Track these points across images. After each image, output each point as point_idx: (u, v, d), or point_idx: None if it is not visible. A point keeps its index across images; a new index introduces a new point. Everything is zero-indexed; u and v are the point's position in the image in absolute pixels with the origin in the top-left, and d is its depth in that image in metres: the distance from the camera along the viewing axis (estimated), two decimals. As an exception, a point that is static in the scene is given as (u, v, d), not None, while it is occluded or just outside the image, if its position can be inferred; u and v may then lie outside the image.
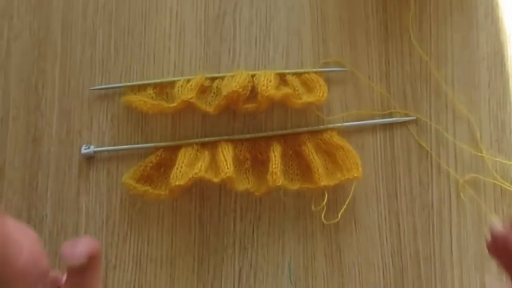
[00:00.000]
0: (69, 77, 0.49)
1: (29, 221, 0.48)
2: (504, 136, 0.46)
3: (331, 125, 0.46)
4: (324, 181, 0.44)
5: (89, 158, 0.48)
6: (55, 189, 0.48)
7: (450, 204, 0.45)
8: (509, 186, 0.45)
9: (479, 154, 0.46)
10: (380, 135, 0.47)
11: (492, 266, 0.44)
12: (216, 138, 0.46)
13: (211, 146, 0.46)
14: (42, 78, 0.50)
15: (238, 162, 0.45)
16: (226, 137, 0.46)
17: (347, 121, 0.47)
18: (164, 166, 0.46)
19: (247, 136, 0.46)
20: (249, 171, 0.46)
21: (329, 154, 0.46)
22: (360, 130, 0.47)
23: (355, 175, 0.44)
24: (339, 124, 0.46)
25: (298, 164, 0.46)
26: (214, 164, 0.45)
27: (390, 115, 0.47)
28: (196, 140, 0.47)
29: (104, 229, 0.47)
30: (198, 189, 0.47)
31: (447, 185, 0.46)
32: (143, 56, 0.49)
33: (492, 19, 0.48)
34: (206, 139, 0.47)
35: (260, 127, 0.48)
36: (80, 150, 0.48)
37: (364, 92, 0.47)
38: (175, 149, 0.46)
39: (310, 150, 0.45)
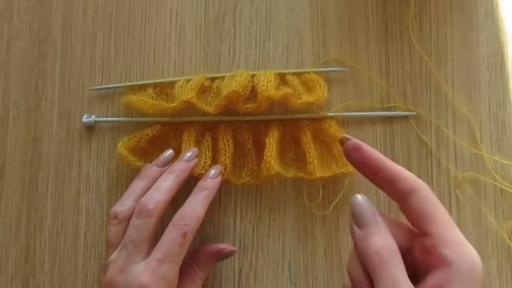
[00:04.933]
0: (69, 77, 0.49)
1: (29, 221, 0.48)
2: (504, 136, 0.46)
3: (331, 113, 0.46)
4: (318, 173, 0.44)
5: (89, 158, 0.48)
6: (55, 189, 0.48)
7: (450, 204, 0.45)
8: (509, 187, 0.45)
9: (480, 152, 0.46)
10: (380, 135, 0.47)
11: (492, 266, 0.44)
12: (217, 118, 0.46)
13: (212, 137, 0.46)
14: (42, 78, 0.50)
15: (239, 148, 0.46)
16: (226, 118, 0.46)
17: (347, 123, 0.47)
18: (158, 140, 0.46)
19: (247, 118, 0.46)
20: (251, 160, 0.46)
21: (326, 144, 0.46)
22: (360, 130, 0.47)
23: (350, 169, 0.44)
24: (339, 114, 0.46)
25: (295, 150, 0.46)
26: (216, 152, 0.45)
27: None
28: (197, 118, 0.46)
29: (104, 229, 0.47)
30: (198, 189, 0.47)
31: (447, 185, 0.46)
32: (143, 56, 0.49)
33: (492, 19, 0.48)
34: (209, 118, 0.46)
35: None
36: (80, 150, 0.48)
37: (364, 92, 0.47)
38: (174, 126, 0.47)
39: (308, 140, 0.45)
